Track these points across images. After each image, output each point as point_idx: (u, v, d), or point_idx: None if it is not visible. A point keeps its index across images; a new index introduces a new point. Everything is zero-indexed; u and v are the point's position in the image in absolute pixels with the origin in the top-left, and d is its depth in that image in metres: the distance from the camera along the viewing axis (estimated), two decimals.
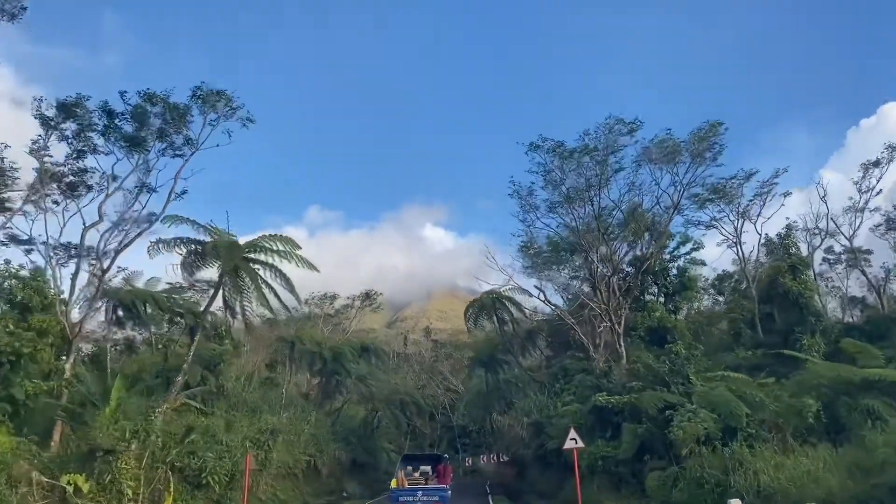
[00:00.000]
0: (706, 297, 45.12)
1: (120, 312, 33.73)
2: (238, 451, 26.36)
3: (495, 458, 60.85)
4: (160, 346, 34.90)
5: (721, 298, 45.65)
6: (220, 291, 28.15)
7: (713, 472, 21.51)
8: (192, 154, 28.49)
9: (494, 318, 41.93)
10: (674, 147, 34.68)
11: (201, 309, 31.43)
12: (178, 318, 35.46)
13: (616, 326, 32.96)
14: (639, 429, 25.46)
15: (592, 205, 35.10)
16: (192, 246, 27.04)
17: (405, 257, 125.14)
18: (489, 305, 42.90)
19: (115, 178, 28.33)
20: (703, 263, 41.99)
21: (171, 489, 22.28)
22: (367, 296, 50.97)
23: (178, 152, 28.27)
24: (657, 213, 37.41)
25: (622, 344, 32.69)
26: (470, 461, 66.92)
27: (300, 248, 28.41)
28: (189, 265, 27.94)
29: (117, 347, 36.84)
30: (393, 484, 23.50)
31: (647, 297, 37.47)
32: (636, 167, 35.50)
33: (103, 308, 32.51)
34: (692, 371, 26.33)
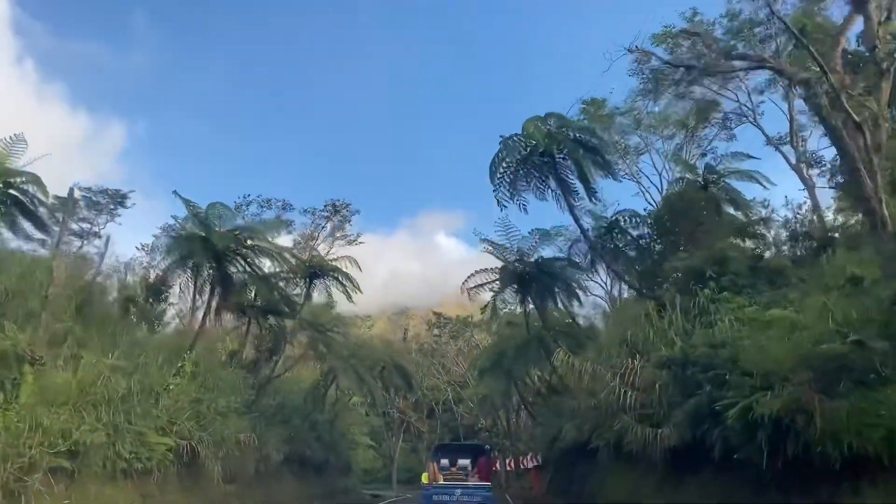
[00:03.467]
0: None
1: None
2: None
3: (513, 463, 46.90)
4: None
5: None
6: None
7: None
8: None
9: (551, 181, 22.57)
10: None
11: None
12: None
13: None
14: None
15: None
16: None
17: (419, 264, 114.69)
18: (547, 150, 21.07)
19: None
20: None
21: None
22: (336, 210, 34.92)
23: None
24: None
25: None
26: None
27: None
28: None
29: None
30: (424, 479, 20.68)
31: None
32: None
33: None
34: None
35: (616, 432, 16.69)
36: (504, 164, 19.99)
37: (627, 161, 29.62)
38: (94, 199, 33.51)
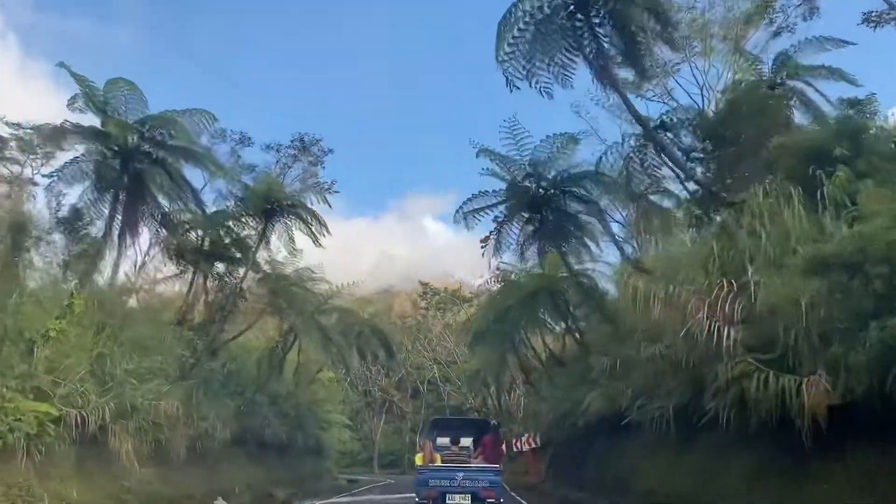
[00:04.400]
0: None
1: None
2: None
3: (504, 446, 41.49)
4: None
5: None
6: None
7: None
8: None
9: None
10: None
11: None
12: None
13: None
14: None
15: None
16: None
17: (406, 248, 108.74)
18: None
19: None
20: None
21: None
22: (304, 146, 28.28)
23: None
24: None
25: None
26: None
27: None
28: None
29: None
30: (418, 460, 17.29)
31: None
32: None
33: None
34: None
35: (687, 391, 11.30)
36: (521, 25, 14.14)
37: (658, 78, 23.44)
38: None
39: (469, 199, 19.04)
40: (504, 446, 38.67)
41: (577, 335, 26.59)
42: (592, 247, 21.03)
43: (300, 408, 30.48)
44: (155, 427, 18.50)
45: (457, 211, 19.34)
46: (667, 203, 20.25)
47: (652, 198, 19.66)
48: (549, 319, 27.41)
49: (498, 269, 28.14)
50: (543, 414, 29.08)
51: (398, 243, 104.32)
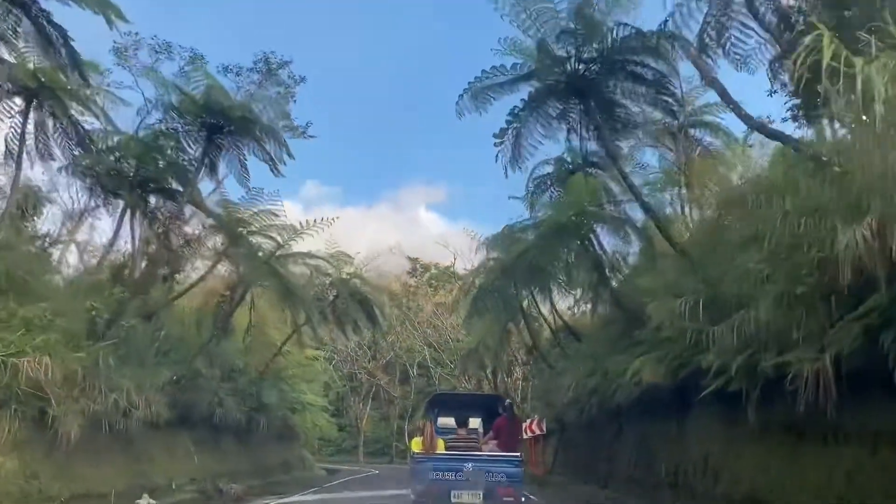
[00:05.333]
0: None
1: None
2: None
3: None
4: None
5: None
6: None
7: None
8: None
9: None
10: None
11: None
12: None
13: None
14: None
15: None
16: None
17: (399, 237, 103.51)
18: None
19: None
20: None
21: None
22: (270, 70, 21.81)
23: None
24: None
25: None
26: None
27: None
28: None
29: None
30: (415, 446, 13.20)
31: None
32: None
33: None
34: None
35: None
36: None
37: None
38: None
39: (480, 78, 13.59)
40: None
41: (612, 289, 21.75)
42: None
43: (263, 384, 25.17)
44: (36, 399, 13.34)
45: (462, 94, 13.89)
46: None
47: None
48: (563, 277, 22.02)
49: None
50: (561, 392, 23.95)
51: (391, 233, 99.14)
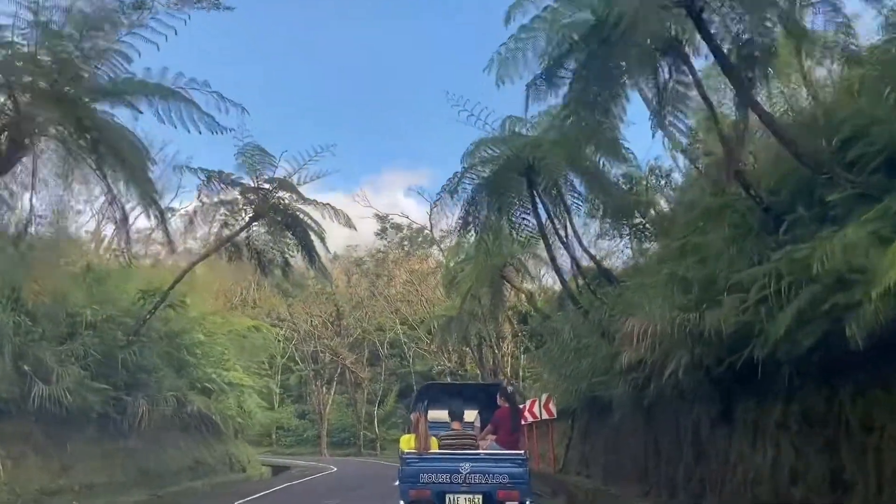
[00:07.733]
0: None
1: None
2: None
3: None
4: None
5: None
6: None
7: None
8: None
9: None
10: None
11: None
12: None
13: None
14: None
15: None
16: None
17: (378, 222, 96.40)
18: None
19: None
20: None
21: None
22: None
23: None
24: None
25: None
26: None
27: None
28: None
29: None
30: (404, 444, 12.20)
31: None
32: None
33: None
34: None
35: None
36: None
37: None
38: None
39: None
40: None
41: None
42: None
43: (144, 350, 16.40)
44: None
45: None
46: None
47: None
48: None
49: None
50: (583, 364, 15.85)
51: (370, 217, 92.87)
